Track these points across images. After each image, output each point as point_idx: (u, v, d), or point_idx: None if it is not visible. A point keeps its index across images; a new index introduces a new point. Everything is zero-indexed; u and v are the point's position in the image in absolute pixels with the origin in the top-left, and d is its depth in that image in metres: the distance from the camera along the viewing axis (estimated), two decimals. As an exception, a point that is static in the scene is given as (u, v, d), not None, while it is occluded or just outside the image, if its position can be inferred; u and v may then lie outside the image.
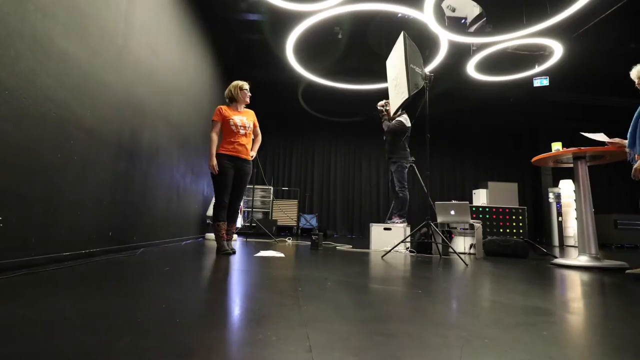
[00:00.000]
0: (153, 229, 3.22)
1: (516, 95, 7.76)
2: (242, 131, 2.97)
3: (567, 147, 3.12)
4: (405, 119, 4.35)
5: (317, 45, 5.82)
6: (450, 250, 3.46)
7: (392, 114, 4.11)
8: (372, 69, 6.17)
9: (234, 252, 2.91)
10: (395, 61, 3.74)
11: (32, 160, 1.69)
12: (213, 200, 3.15)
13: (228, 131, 2.94)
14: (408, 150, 4.40)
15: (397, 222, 4.26)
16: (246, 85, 3.08)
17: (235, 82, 3.07)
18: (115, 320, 0.95)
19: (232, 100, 3.06)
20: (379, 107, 4.53)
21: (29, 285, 1.35)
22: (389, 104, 4.47)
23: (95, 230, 2.26)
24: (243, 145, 2.97)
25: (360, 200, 8.93)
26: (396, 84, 3.71)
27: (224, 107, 2.98)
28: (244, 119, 3.02)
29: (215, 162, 2.82)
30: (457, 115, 8.65)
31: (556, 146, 3.28)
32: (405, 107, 3.78)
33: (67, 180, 1.96)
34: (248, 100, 3.10)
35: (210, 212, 4.87)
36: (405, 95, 3.36)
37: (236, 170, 2.94)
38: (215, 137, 2.91)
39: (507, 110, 8.49)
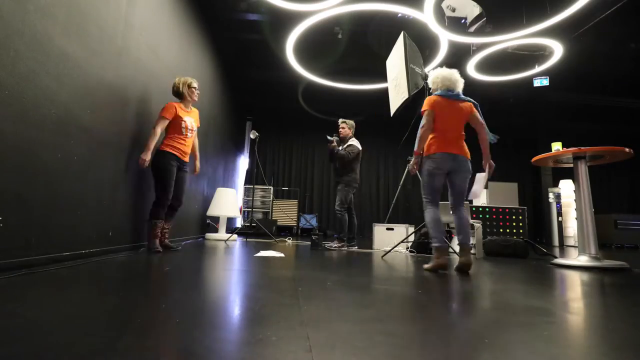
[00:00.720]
0: (153, 229, 3.21)
1: (516, 95, 7.76)
2: (189, 134, 2.99)
3: (567, 147, 3.13)
4: (357, 142, 4.21)
5: (317, 45, 5.82)
6: (450, 250, 3.46)
7: (392, 113, 4.06)
8: (372, 69, 6.17)
9: (178, 249, 3.06)
10: (395, 61, 3.74)
11: (32, 160, 1.69)
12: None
13: (177, 131, 2.90)
14: (358, 174, 4.21)
15: (334, 245, 3.97)
16: (195, 83, 3.04)
17: (183, 78, 2.99)
18: (115, 320, 0.95)
19: (179, 97, 2.99)
20: (329, 139, 4.23)
21: (29, 285, 1.35)
22: (346, 123, 4.30)
23: (95, 230, 2.26)
24: (187, 147, 3.01)
25: (360, 201, 8.93)
26: (396, 84, 3.71)
27: (176, 105, 2.91)
28: (193, 121, 3.03)
29: (149, 157, 2.71)
30: (457, 115, 8.64)
31: (556, 146, 3.28)
32: (404, 107, 3.77)
33: (67, 180, 1.96)
34: (196, 98, 3.06)
35: (210, 212, 4.87)
36: (406, 95, 3.36)
37: (178, 171, 2.95)
38: (158, 133, 2.79)
39: (507, 110, 8.49)
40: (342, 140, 4.32)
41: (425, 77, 3.45)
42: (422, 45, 3.88)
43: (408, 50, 3.36)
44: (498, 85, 6.94)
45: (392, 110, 3.84)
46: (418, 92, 3.42)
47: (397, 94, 3.67)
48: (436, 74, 2.65)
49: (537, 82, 6.23)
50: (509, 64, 6.07)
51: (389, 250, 3.48)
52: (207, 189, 5.21)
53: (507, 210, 6.30)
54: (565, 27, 4.84)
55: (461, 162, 2.47)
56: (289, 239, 5.24)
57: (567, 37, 5.21)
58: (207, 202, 5.10)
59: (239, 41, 6.11)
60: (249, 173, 8.61)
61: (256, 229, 5.32)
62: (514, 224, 6.24)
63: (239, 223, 7.22)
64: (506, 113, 8.73)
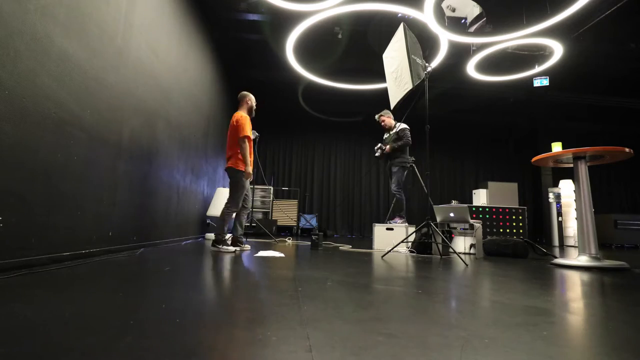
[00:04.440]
0: (153, 229, 3.22)
1: (516, 95, 7.76)
2: None
3: (567, 147, 3.12)
4: (405, 126, 4.51)
5: (317, 45, 5.82)
6: (450, 250, 3.46)
7: (392, 106, 4.04)
8: (372, 69, 6.17)
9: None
10: (394, 53, 3.72)
11: (32, 160, 1.69)
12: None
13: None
14: (407, 152, 4.55)
15: (398, 222, 4.34)
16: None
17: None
18: (115, 320, 0.95)
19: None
20: (376, 119, 4.77)
21: (29, 285, 1.35)
22: (383, 115, 4.69)
23: (95, 230, 2.26)
24: None
25: (360, 201, 8.93)
26: (397, 76, 3.68)
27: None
28: None
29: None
30: (457, 115, 8.65)
31: (556, 146, 3.28)
32: (403, 102, 3.79)
33: (67, 180, 1.96)
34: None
35: (210, 212, 4.87)
36: (410, 86, 3.35)
37: None
38: None
39: (507, 110, 8.49)
40: (390, 129, 4.68)
41: (424, 68, 3.49)
42: (422, 45, 3.88)
43: (408, 41, 3.36)
44: (498, 85, 6.94)
45: (393, 103, 3.81)
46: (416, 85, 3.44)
47: (399, 86, 3.64)
48: None
49: (537, 82, 6.23)
50: (509, 64, 6.06)
51: (389, 251, 3.47)
52: (207, 189, 5.21)
53: (507, 210, 6.30)
54: (565, 27, 4.84)
55: None
56: (289, 239, 5.24)
57: (567, 37, 5.21)
58: (207, 202, 5.09)
59: (239, 41, 6.11)
60: (249, 173, 8.60)
61: (256, 229, 5.31)
62: (514, 224, 6.24)
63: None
64: (506, 113, 8.73)
